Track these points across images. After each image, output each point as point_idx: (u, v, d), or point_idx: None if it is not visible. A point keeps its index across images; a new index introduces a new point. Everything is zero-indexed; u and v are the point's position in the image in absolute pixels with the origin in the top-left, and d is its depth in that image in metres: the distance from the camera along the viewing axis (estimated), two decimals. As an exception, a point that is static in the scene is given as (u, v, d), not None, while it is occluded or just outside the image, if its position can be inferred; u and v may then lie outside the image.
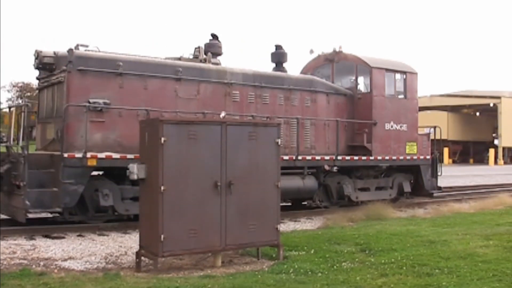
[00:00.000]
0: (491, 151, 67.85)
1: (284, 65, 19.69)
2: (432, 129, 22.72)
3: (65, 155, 13.78)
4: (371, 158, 19.36)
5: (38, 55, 15.37)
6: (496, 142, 74.06)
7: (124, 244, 12.45)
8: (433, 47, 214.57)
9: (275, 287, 8.58)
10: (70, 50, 14.58)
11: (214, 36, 18.23)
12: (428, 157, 21.35)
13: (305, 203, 19.39)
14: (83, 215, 14.56)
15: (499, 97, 72.13)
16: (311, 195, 18.43)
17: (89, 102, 14.40)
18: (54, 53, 15.32)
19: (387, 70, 20.08)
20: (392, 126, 20.00)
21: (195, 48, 17.63)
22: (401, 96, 20.58)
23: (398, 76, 20.44)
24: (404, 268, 9.82)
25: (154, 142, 9.66)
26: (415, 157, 20.78)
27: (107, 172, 14.87)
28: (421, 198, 21.99)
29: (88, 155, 13.96)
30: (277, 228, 10.69)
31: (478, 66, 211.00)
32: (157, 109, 15.05)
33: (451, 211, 18.82)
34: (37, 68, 15.86)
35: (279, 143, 10.68)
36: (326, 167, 18.51)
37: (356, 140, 19.69)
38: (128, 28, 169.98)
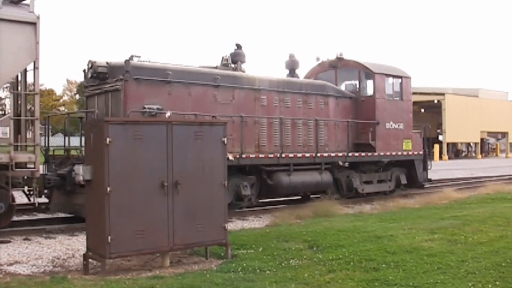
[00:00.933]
0: (436, 147, 68.83)
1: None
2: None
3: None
4: (375, 154, 21.62)
5: (93, 65, 16.31)
6: (440, 138, 75.15)
7: (71, 247, 12.31)
8: (378, 42, 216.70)
9: (223, 285, 8.58)
10: (127, 61, 15.79)
11: (239, 46, 19.97)
12: (421, 152, 23.84)
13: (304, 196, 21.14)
14: None
15: (443, 94, 73.29)
16: (327, 188, 20.39)
17: (144, 108, 15.77)
18: (107, 63, 16.41)
19: (387, 75, 22.49)
20: (391, 125, 22.36)
21: (222, 57, 19.34)
22: (398, 98, 22.92)
23: (395, 80, 22.85)
24: (352, 263, 9.93)
25: (99, 143, 9.57)
26: (410, 153, 23.26)
27: None
28: (416, 189, 24.23)
29: None
30: (225, 227, 10.69)
31: (420, 64, 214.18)
32: (199, 113, 16.54)
33: (397, 207, 19.09)
34: (91, 77, 16.59)
35: (225, 142, 10.69)
36: (340, 163, 20.56)
37: (361, 138, 21.85)
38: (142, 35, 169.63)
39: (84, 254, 10.12)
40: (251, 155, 17.94)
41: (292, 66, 22.16)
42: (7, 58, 13.04)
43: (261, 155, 18.28)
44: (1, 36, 12.81)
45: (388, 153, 22.13)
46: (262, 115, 18.78)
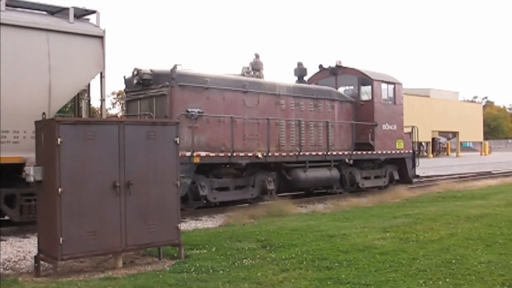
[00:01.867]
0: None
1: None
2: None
3: (180, 154, 14.71)
4: (374, 152, 24.25)
5: (138, 72, 18.22)
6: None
7: (22, 249, 12.14)
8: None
9: (176, 286, 8.55)
10: (173, 69, 17.85)
11: (257, 55, 22.90)
12: (410, 151, 26.69)
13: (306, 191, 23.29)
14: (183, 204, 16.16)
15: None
16: (335, 183, 22.94)
17: (187, 111, 17.81)
18: (151, 70, 18.34)
19: (383, 81, 25.13)
20: (387, 127, 24.99)
21: (243, 66, 22.09)
22: (391, 102, 25.60)
23: (389, 86, 25.49)
24: (305, 262, 9.97)
25: (50, 143, 9.46)
26: (402, 151, 26.00)
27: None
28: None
29: (193, 153, 17.33)
30: (177, 227, 10.65)
31: (373, 63, 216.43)
32: (232, 115, 18.87)
33: (350, 206, 19.22)
34: (137, 83, 18.37)
35: (178, 142, 10.66)
36: (347, 160, 23.36)
37: (361, 138, 24.26)
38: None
39: (35, 256, 10.00)
40: (275, 154, 20.26)
41: (300, 73, 25.18)
42: (79, 68, 14.70)
43: (283, 154, 20.57)
44: (74, 49, 14.52)
45: (384, 152, 24.79)
46: (282, 118, 21.16)
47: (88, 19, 15.44)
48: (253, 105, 20.19)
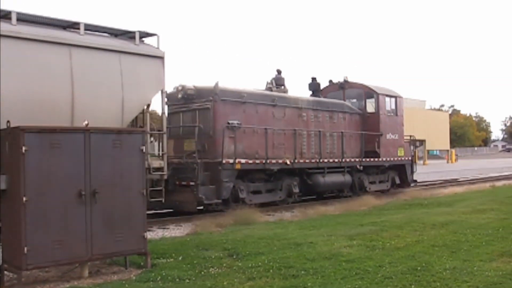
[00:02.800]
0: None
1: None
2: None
3: (223, 161, 19.43)
4: (380, 159, 26.81)
5: (183, 88, 20.50)
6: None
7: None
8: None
9: (142, 295, 8.53)
10: (216, 85, 20.12)
11: (279, 71, 24.95)
12: (409, 158, 29.41)
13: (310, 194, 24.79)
14: (224, 205, 19.61)
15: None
16: (347, 187, 25.53)
17: (228, 123, 20.02)
18: (194, 86, 20.64)
19: (387, 95, 27.64)
20: (390, 136, 27.48)
21: (267, 81, 24.32)
22: (393, 114, 27.99)
23: (392, 99, 27.93)
24: (271, 271, 9.97)
25: (15, 152, 9.38)
26: (403, 158, 28.57)
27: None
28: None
29: (235, 160, 19.82)
30: (144, 236, 10.60)
31: (340, 71, 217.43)
32: (266, 127, 21.41)
33: (318, 214, 19.22)
34: (181, 97, 20.48)
35: (144, 150, 10.62)
36: (358, 167, 25.62)
37: (368, 147, 26.49)
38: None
39: (-1, 266, 9.90)
40: (300, 160, 22.75)
41: (314, 88, 27.40)
42: (145, 85, 16.30)
43: (306, 160, 23.21)
44: (141, 68, 16.15)
45: (389, 159, 27.43)
46: (304, 128, 23.51)
47: (141, 40, 16.77)
48: (280, 117, 22.61)
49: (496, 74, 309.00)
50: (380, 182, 27.75)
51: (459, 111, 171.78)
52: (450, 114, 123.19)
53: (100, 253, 10.07)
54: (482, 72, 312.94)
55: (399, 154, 28.24)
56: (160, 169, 16.88)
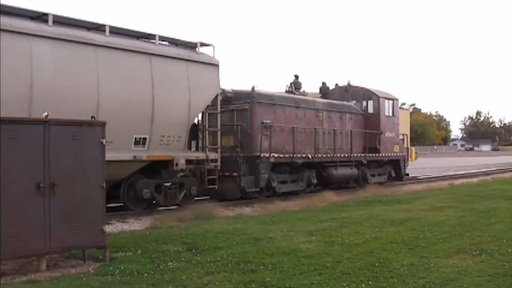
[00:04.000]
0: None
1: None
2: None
3: (261, 155, 22.52)
4: (380, 155, 30.05)
5: (223, 91, 22.25)
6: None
7: None
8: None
9: (100, 289, 8.47)
10: (252, 89, 23.08)
11: (296, 76, 28.49)
12: (403, 154, 32.47)
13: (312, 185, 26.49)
14: (259, 193, 22.90)
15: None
16: (354, 179, 28.72)
17: (263, 122, 23.01)
18: (232, 90, 23.34)
19: (386, 98, 30.87)
20: (388, 134, 30.68)
21: (287, 85, 28.00)
22: (391, 115, 31.17)
23: (390, 101, 31.17)
24: (230, 265, 9.98)
25: (-28, 143, 9.24)
26: (399, 154, 31.77)
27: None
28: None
29: (270, 155, 22.96)
30: (103, 230, 10.52)
31: (311, 72, 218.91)
32: (290, 125, 24.56)
33: (278, 209, 19.24)
34: (222, 99, 21.76)
35: (104, 143, 10.53)
36: (363, 161, 28.85)
37: (369, 144, 29.49)
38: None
39: (-46, 258, 9.76)
40: (318, 155, 25.82)
41: (324, 91, 30.90)
42: (205, 89, 19.88)
43: (323, 155, 26.28)
44: (202, 74, 19.64)
45: (387, 154, 30.72)
46: (320, 127, 26.54)
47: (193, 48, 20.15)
48: (302, 117, 25.66)
49: (456, 75, 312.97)
50: (379, 175, 30.84)
51: (419, 109, 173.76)
52: (410, 113, 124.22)
53: (58, 246, 9.97)
54: (443, 72, 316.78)
55: (395, 151, 31.47)
56: (215, 160, 20.48)
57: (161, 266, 9.99)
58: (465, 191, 26.19)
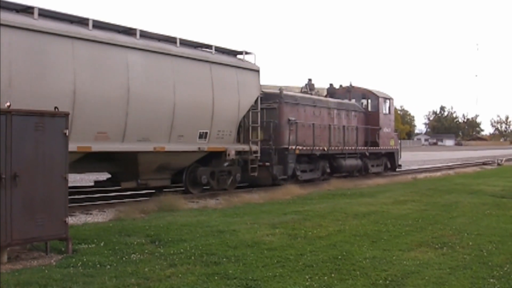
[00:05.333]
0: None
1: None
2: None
3: (289, 147, 26.22)
4: (379, 148, 34.29)
5: None
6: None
7: None
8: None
9: (62, 281, 8.36)
10: (280, 91, 27.25)
11: (310, 80, 32.52)
12: (397, 147, 36.87)
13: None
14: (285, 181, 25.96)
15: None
16: (358, 169, 32.75)
17: (289, 119, 26.74)
18: (262, 90, 25.54)
19: (384, 98, 35.15)
20: (386, 130, 34.98)
21: (302, 87, 32.29)
22: (387, 112, 35.46)
23: (387, 100, 35.49)
24: (193, 258, 9.97)
25: None
26: (393, 147, 36.18)
27: None
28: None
29: (296, 147, 26.64)
30: (65, 221, 10.43)
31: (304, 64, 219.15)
32: (310, 122, 28.28)
33: (242, 202, 19.24)
34: None
35: (67, 134, 10.44)
36: (366, 153, 33.11)
37: (370, 138, 33.69)
38: None
39: None
40: (332, 148, 29.69)
41: (332, 91, 34.85)
42: (250, 92, 23.57)
43: (335, 148, 30.15)
44: (247, 79, 23.31)
45: (385, 147, 35.00)
46: (331, 123, 30.25)
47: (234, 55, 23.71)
48: (318, 115, 29.37)
49: (421, 70, 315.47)
50: (377, 165, 35.04)
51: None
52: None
53: (19, 238, 9.86)
54: (408, 67, 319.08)
55: (391, 144, 35.68)
56: (256, 151, 24.06)
57: (124, 258, 9.94)
58: (428, 185, 26.50)
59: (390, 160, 36.50)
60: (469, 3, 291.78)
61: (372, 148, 33.59)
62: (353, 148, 31.73)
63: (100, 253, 10.28)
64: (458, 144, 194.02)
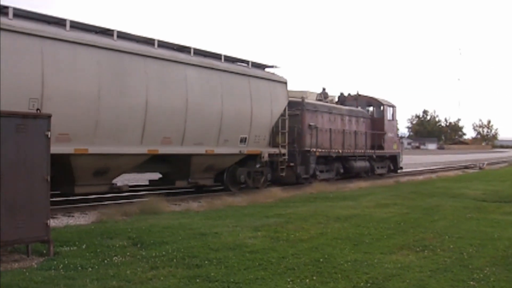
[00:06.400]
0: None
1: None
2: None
3: (311, 150, 29.54)
4: (384, 151, 37.78)
5: None
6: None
7: None
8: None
9: (43, 284, 8.34)
10: (303, 99, 30.12)
11: (324, 89, 36.10)
12: (399, 151, 40.46)
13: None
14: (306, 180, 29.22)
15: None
16: (366, 170, 36.14)
17: (309, 125, 29.97)
18: None
19: (388, 105, 38.55)
20: (390, 135, 38.36)
21: (317, 95, 34.95)
22: (391, 119, 38.90)
23: (390, 108, 38.81)
24: (175, 260, 9.96)
25: None
26: (396, 151, 39.85)
27: None
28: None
29: (316, 149, 29.94)
30: (47, 224, 10.37)
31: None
32: (327, 127, 31.63)
33: (224, 205, 19.20)
34: None
35: (49, 136, 10.39)
36: (374, 156, 36.43)
37: (376, 142, 37.12)
38: None
39: None
40: (345, 151, 33.14)
41: (342, 99, 37.39)
42: (280, 101, 26.27)
43: (348, 150, 33.49)
44: (277, 90, 26.13)
45: (389, 151, 38.67)
46: (343, 128, 33.59)
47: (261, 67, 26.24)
48: (333, 121, 32.60)
49: (404, 74, 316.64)
50: (382, 167, 38.19)
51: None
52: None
53: (0, 241, 9.81)
54: (391, 71, 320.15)
55: (394, 148, 39.28)
56: (284, 154, 26.72)
57: (105, 261, 9.90)
58: (410, 188, 26.61)
59: (393, 163, 39.85)
60: (452, 8, 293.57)
61: (378, 151, 36.96)
62: (362, 151, 35.20)
63: (82, 256, 10.24)
64: (440, 147, 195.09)
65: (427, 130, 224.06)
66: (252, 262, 9.95)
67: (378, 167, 37.44)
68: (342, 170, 33.52)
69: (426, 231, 13.80)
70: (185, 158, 21.47)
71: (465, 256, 10.96)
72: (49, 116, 10.56)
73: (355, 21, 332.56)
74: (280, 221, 14.79)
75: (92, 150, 17.40)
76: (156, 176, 23.80)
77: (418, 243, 12.18)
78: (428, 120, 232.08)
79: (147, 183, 24.78)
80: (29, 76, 15.58)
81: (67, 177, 17.55)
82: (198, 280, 8.66)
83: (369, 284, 8.72)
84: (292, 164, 28.02)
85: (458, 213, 17.32)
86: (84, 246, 11.09)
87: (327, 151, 31.11)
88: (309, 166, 29.38)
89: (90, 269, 9.32)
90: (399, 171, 40.73)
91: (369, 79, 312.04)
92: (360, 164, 35.05)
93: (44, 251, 10.59)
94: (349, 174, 34.59)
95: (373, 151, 36.41)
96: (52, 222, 11.17)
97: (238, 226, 13.75)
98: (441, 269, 9.83)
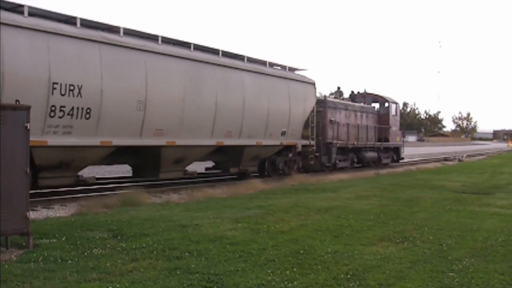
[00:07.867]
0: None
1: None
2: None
3: (332, 141, 33.40)
4: (389, 143, 41.79)
5: None
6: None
7: None
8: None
9: (22, 276, 8.28)
10: (325, 98, 34.73)
11: (338, 88, 41.88)
12: (402, 142, 44.85)
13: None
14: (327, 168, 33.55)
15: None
16: (374, 160, 39.94)
17: (331, 120, 33.64)
18: None
19: (393, 102, 42.64)
20: (394, 128, 42.57)
21: (333, 93, 40.51)
22: (395, 114, 43.07)
23: (394, 105, 43.04)
24: (155, 252, 9.94)
25: None
26: (399, 143, 44.17)
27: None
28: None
29: (337, 141, 33.87)
30: (26, 216, 10.32)
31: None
32: (344, 122, 35.55)
33: (205, 196, 19.17)
34: None
35: (29, 127, 10.33)
36: (382, 148, 40.69)
37: (382, 135, 41.13)
38: None
39: None
40: (359, 143, 37.13)
41: (353, 97, 41.29)
42: (310, 100, 29.74)
43: (360, 143, 37.37)
44: (307, 91, 29.56)
45: (393, 143, 42.74)
46: (358, 123, 37.53)
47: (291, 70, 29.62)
48: (348, 116, 36.45)
49: (384, 66, 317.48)
50: (386, 157, 42.15)
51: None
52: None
53: (-21, 233, 9.75)
54: (371, 62, 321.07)
55: (397, 140, 43.40)
56: (313, 145, 30.37)
57: (85, 253, 9.86)
58: (390, 180, 26.79)
59: (396, 153, 44.03)
60: (432, 1, 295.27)
61: (384, 143, 41.00)
62: (372, 143, 39.02)
63: (62, 248, 10.18)
64: (420, 140, 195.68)
65: (407, 122, 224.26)
66: (232, 253, 9.95)
67: (384, 158, 41.56)
68: (356, 160, 37.85)
69: (406, 222, 13.88)
70: (239, 149, 25.02)
71: (445, 248, 11.03)
72: (28, 108, 10.49)
73: (334, 14, 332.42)
74: (261, 212, 14.81)
75: (179, 142, 20.96)
76: (210, 164, 27.22)
77: (398, 234, 12.25)
78: (408, 113, 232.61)
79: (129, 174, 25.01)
80: (137, 83, 18.95)
81: (153, 165, 21.07)
82: (178, 272, 8.65)
83: (349, 276, 8.75)
84: (317, 154, 31.19)
85: (437, 205, 17.43)
86: (64, 239, 11.03)
87: (344, 143, 34.88)
88: (331, 156, 33.31)
89: (70, 261, 9.28)
90: (400, 161, 45.04)
91: (349, 72, 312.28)
92: (370, 154, 39.00)
93: (24, 244, 10.52)
94: (361, 164, 38.85)
95: (380, 143, 40.40)
96: (32, 214, 11.09)
97: (219, 218, 13.74)
98: (420, 261, 9.90)
